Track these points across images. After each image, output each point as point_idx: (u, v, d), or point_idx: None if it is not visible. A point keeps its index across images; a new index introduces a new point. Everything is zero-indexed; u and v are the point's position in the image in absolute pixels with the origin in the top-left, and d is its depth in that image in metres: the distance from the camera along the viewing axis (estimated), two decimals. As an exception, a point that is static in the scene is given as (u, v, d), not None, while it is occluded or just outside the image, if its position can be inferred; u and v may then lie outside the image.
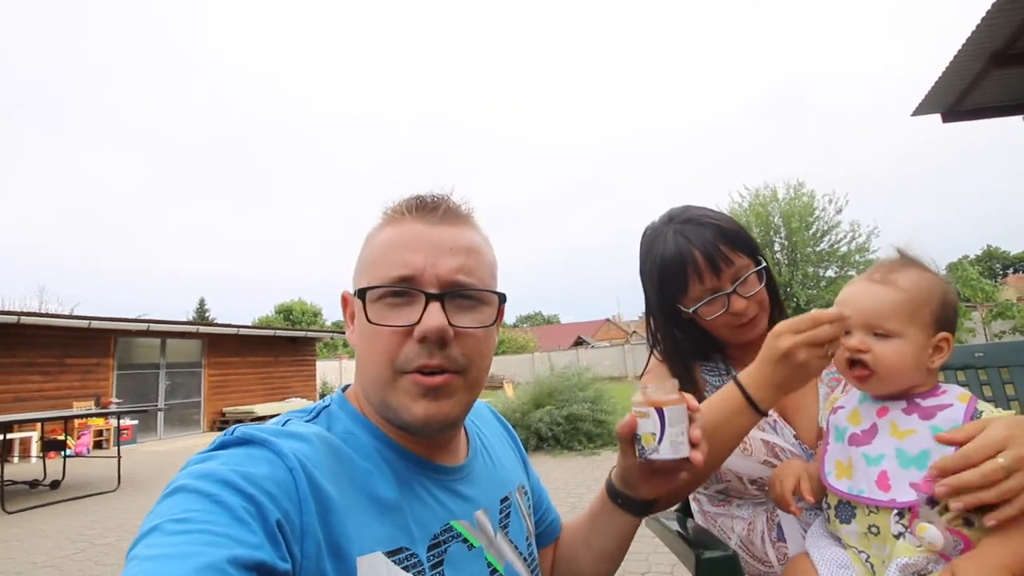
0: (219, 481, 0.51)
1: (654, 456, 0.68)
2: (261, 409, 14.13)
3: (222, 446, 0.58)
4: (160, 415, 12.74)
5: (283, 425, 0.63)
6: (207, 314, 46.54)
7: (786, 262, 25.57)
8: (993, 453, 0.71)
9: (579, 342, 40.57)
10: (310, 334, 17.72)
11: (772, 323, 1.19)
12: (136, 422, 11.79)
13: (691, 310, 1.09)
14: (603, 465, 6.81)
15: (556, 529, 0.98)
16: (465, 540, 0.69)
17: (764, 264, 1.10)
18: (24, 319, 10.15)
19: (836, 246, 25.33)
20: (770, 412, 1.09)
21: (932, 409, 0.82)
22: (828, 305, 0.85)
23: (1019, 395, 1.35)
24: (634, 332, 42.64)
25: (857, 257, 24.95)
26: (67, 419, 7.96)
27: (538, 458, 7.23)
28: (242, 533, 0.48)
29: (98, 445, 10.99)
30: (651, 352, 1.21)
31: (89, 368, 11.52)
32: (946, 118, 4.65)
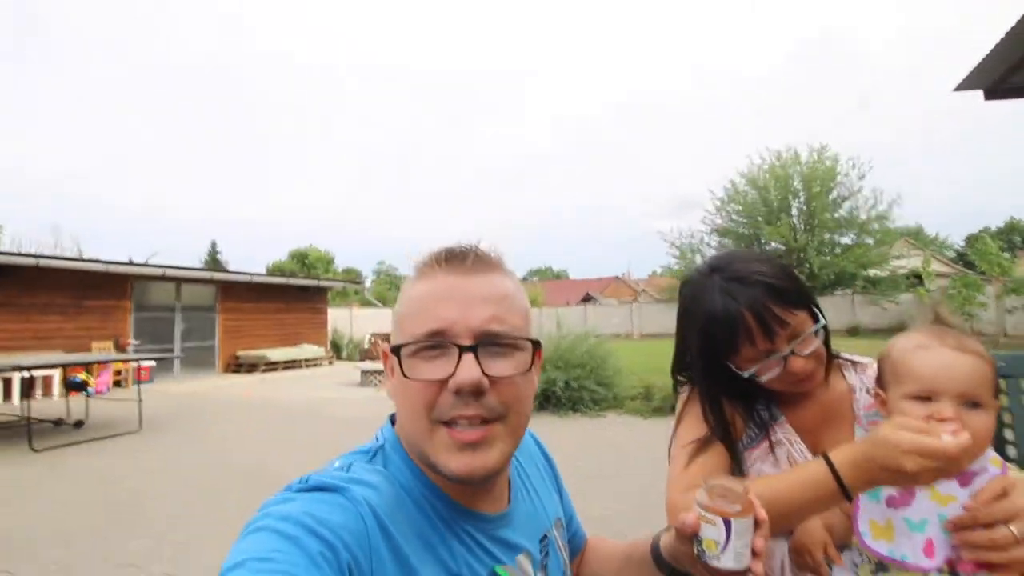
0: (299, 524, 0.55)
1: (715, 564, 0.68)
2: (274, 354, 14.46)
3: (298, 492, 0.61)
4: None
5: (349, 470, 0.67)
6: (219, 256, 46.92)
7: (803, 227, 25.21)
8: (1004, 519, 0.75)
9: (587, 298, 40.65)
10: (322, 283, 17.90)
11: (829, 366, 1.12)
12: (154, 363, 12.11)
13: (745, 373, 1.01)
14: (609, 428, 6.97)
15: (580, 544, 1.00)
16: None
17: (823, 322, 1.02)
18: (43, 262, 10.33)
19: (855, 212, 24.85)
20: (802, 449, 1.05)
21: (969, 475, 0.82)
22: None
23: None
24: (643, 291, 42.60)
25: (875, 226, 24.50)
26: (89, 364, 8.17)
27: (544, 418, 7.40)
28: None
29: (116, 384, 11.34)
30: (688, 388, 1.13)
31: (107, 310, 11.77)
32: (989, 95, 4.44)
